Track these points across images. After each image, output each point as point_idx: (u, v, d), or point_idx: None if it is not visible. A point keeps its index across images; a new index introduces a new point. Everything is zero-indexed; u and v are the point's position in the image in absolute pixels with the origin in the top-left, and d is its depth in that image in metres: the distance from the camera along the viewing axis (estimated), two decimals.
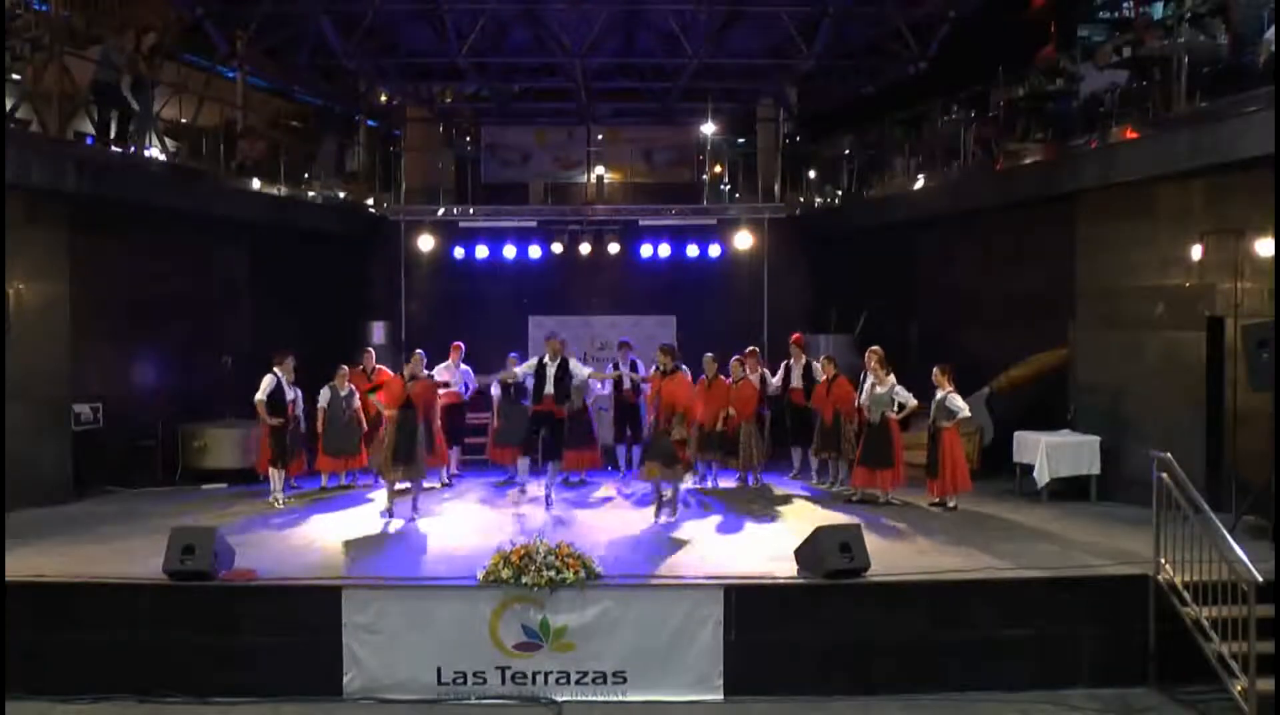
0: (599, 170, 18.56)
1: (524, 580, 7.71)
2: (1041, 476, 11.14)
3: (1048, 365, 12.68)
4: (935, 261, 15.35)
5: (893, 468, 11.18)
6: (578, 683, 7.81)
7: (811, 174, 18.15)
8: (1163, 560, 7.85)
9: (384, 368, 12.45)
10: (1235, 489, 9.84)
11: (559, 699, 7.75)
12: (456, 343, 13.07)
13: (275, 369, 11.31)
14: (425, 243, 16.50)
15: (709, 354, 12.29)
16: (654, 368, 12.05)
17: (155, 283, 13.04)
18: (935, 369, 11.12)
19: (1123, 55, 11.32)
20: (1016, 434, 11.74)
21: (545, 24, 15.29)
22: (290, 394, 11.49)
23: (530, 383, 11.70)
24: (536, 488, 11.65)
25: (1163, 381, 10.84)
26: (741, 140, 19.67)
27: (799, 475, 13.11)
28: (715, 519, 10.57)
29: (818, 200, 17.52)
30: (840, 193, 17.08)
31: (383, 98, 19.72)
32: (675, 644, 7.78)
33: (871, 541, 8.36)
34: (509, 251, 16.71)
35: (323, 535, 9.77)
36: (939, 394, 11.02)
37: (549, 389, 11.33)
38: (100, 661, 7.70)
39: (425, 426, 11.79)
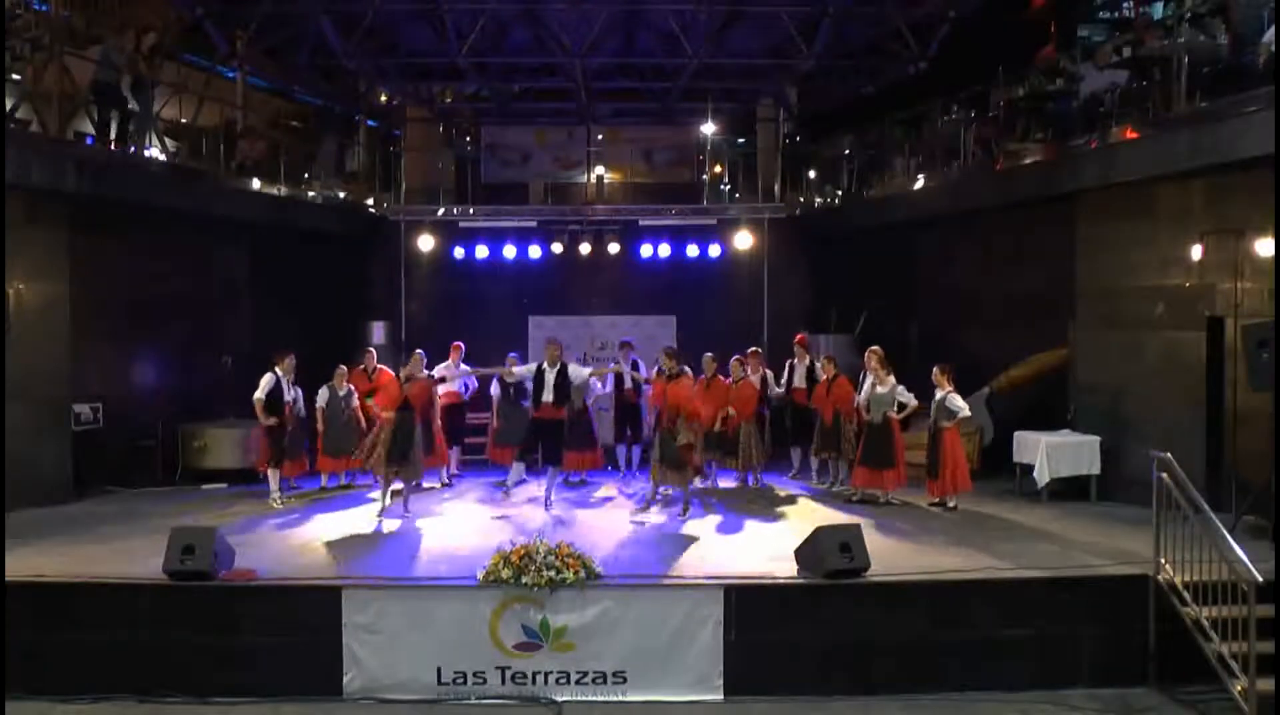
0: (599, 170, 18.56)
1: (524, 580, 7.71)
2: (1041, 476, 11.14)
3: (1048, 365, 12.68)
4: (935, 261, 15.36)
5: (895, 468, 11.18)
6: (578, 683, 7.81)
7: (811, 174, 18.15)
8: (1163, 560, 7.85)
9: (385, 368, 12.45)
10: (1235, 489, 9.85)
11: (559, 699, 7.75)
12: (456, 343, 13.07)
13: (276, 368, 11.31)
14: (425, 243, 16.50)
15: (709, 354, 12.29)
16: (655, 368, 12.09)
17: (155, 283, 13.05)
18: (935, 369, 11.12)
19: (1123, 55, 11.32)
20: (1016, 434, 11.74)
21: (545, 24, 15.29)
22: (289, 394, 11.49)
23: (529, 385, 11.68)
24: (535, 487, 11.64)
25: (1163, 381, 10.84)
26: (741, 140, 19.66)
27: (798, 475, 13.12)
28: (715, 519, 10.57)
29: (818, 200, 17.52)
30: (840, 193, 17.08)
31: (383, 98, 19.72)
32: (675, 644, 7.79)
33: (871, 541, 8.36)
34: (509, 251, 16.71)
35: (323, 535, 9.77)
36: (939, 394, 11.02)
37: (548, 396, 11.31)
38: (100, 661, 7.70)
39: (425, 426, 11.82)
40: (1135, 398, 11.13)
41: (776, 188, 17.96)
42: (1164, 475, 7.88)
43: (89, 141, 12.07)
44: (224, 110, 15.55)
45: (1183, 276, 10.66)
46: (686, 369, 11.20)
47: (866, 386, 11.47)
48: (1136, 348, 11.14)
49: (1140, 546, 8.41)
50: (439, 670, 7.78)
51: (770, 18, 14.84)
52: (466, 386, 13.22)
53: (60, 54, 11.38)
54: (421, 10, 14.73)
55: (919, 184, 14.71)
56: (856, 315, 15.98)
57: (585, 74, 16.58)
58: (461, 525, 10.37)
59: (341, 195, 16.71)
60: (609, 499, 11.98)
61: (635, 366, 13.18)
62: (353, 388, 12.10)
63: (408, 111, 19.16)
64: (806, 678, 7.77)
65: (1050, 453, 11.15)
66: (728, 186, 18.52)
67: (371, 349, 13.12)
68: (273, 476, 11.37)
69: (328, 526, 10.18)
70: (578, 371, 11.64)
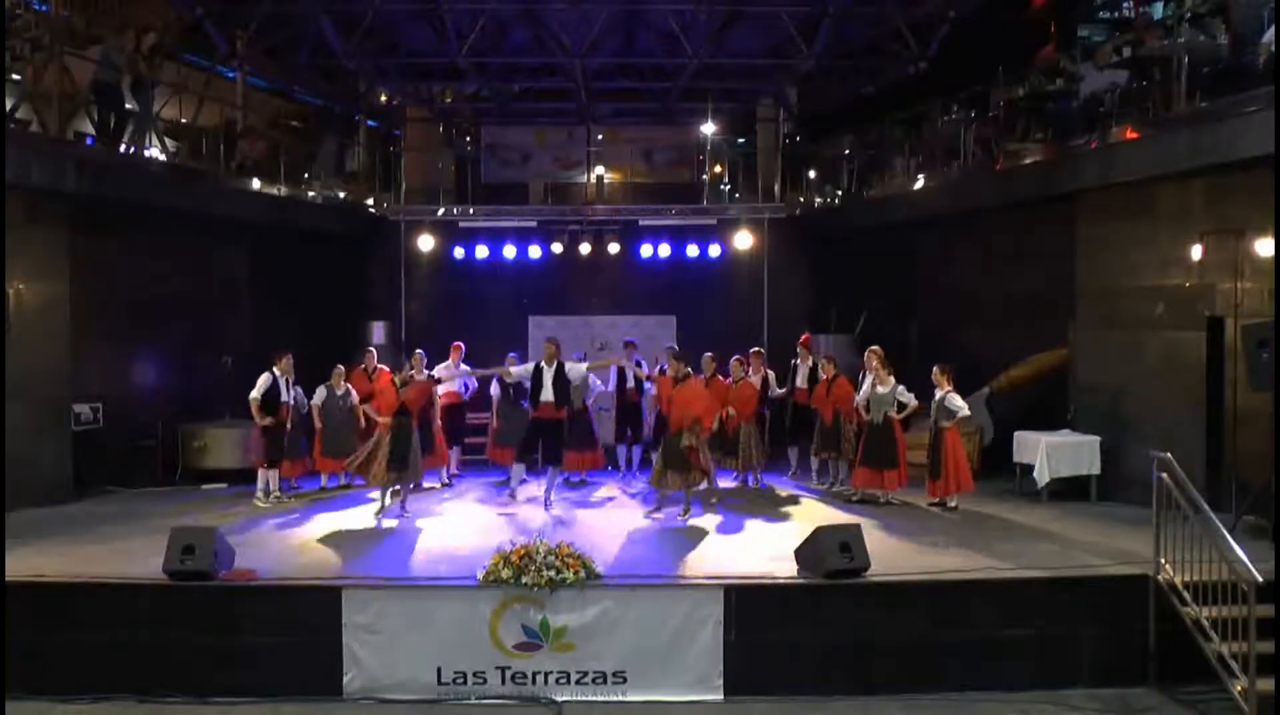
0: (599, 170, 18.56)
1: (524, 580, 7.71)
2: (1041, 476, 11.14)
3: (1048, 365, 12.68)
4: (935, 261, 15.36)
5: (896, 468, 11.18)
6: (578, 683, 7.81)
7: (811, 174, 18.16)
8: (1163, 560, 7.85)
9: (385, 368, 12.46)
10: (1235, 489, 9.85)
11: (559, 699, 7.75)
12: (456, 343, 13.06)
13: (273, 368, 11.31)
14: (425, 243, 16.50)
15: (708, 354, 12.30)
16: (658, 369, 12.11)
17: (155, 283, 13.05)
18: (935, 369, 11.12)
19: (1123, 55, 11.32)
20: (1016, 434, 11.74)
21: (545, 24, 15.29)
22: (287, 395, 11.48)
23: (528, 384, 11.67)
24: (535, 488, 11.64)
25: (1163, 381, 10.84)
26: (741, 140, 19.66)
27: (796, 474, 13.12)
28: (715, 519, 10.57)
29: (818, 200, 17.52)
30: (840, 193, 17.08)
31: (383, 98, 19.72)
32: (675, 644, 7.79)
33: (871, 541, 8.35)
34: (509, 251, 16.72)
35: (323, 535, 9.78)
36: (939, 394, 11.02)
37: (547, 395, 11.30)
38: (100, 661, 7.70)
39: (424, 426, 11.83)
40: (1135, 398, 11.12)
41: (776, 188, 17.97)
42: (1164, 475, 7.87)
43: (89, 141, 12.06)
44: (224, 110, 15.55)
45: (1183, 276, 10.66)
46: (692, 372, 11.21)
47: (866, 386, 11.47)
48: (1136, 348, 11.14)
49: (1140, 546, 8.41)
50: (439, 670, 7.78)
51: (770, 18, 14.84)
52: (466, 386, 13.22)
53: (60, 54, 11.38)
54: (421, 10, 14.73)
55: (919, 184, 14.71)
56: (856, 315, 15.98)
57: (585, 74, 16.58)
58: (461, 525, 10.37)
59: (341, 195, 16.71)
60: (609, 499, 11.98)
61: (638, 366, 13.17)
62: (351, 387, 12.09)
63: (408, 111, 19.16)
64: (806, 678, 7.77)
65: (1050, 453, 11.15)
66: (728, 186, 18.52)
67: (372, 349, 13.13)
68: (262, 476, 11.38)
69: (328, 526, 10.19)
70: (575, 369, 11.62)
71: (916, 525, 10.20)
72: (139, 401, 12.80)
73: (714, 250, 16.86)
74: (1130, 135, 10.61)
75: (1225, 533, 7.38)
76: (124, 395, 12.57)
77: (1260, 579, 7.01)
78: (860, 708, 7.60)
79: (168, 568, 7.88)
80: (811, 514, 10.68)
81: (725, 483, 12.55)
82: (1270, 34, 9.13)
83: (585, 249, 16.56)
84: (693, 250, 16.86)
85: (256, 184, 14.36)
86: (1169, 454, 7.96)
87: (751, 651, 7.78)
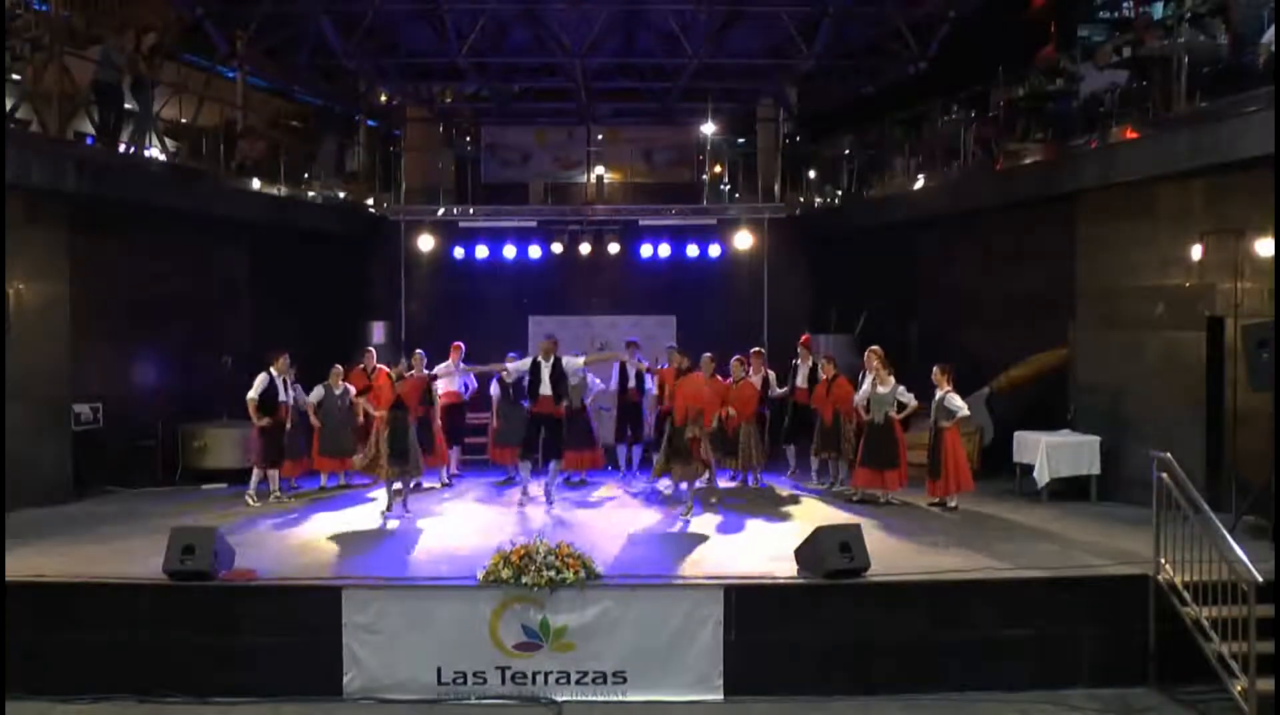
0: (599, 170, 18.57)
1: (524, 580, 7.71)
2: (1041, 476, 11.14)
3: (1048, 365, 12.68)
4: (935, 261, 15.36)
5: (897, 468, 11.18)
6: (578, 683, 7.81)
7: (811, 174, 18.16)
8: (1163, 560, 7.85)
9: (384, 368, 12.46)
10: (1235, 489, 9.85)
11: (559, 699, 7.75)
12: (457, 343, 13.07)
13: (270, 368, 11.31)
14: (425, 243, 16.51)
15: (707, 354, 12.29)
16: (661, 364, 12.16)
17: (155, 283, 13.05)
18: (935, 368, 11.12)
19: (1123, 55, 11.31)
20: (1016, 434, 11.74)
21: (545, 24, 15.29)
22: (285, 394, 11.47)
23: (526, 381, 11.67)
24: (536, 488, 11.65)
25: (1163, 381, 10.84)
26: (741, 140, 19.67)
27: (795, 474, 13.11)
28: (715, 519, 10.57)
29: (818, 200, 17.52)
30: (840, 193, 17.08)
31: (383, 98, 19.73)
32: (675, 644, 7.78)
33: (871, 541, 8.34)
34: (509, 251, 16.72)
35: (323, 535, 9.78)
36: (939, 394, 11.02)
37: (545, 390, 11.31)
38: (100, 661, 7.70)
39: (424, 425, 11.83)
40: (1135, 398, 11.12)
41: (776, 188, 17.97)
42: (1164, 475, 7.87)
43: (89, 141, 12.06)
44: (224, 110, 15.55)
45: (1183, 276, 10.66)
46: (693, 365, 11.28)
47: (866, 386, 11.46)
48: (1136, 348, 11.14)
49: (1140, 546, 8.41)
50: (439, 670, 7.78)
51: (770, 18, 14.85)
52: (466, 386, 13.23)
53: (60, 54, 11.38)
54: (421, 10, 14.73)
55: (919, 184, 14.71)
56: (856, 315, 15.98)
57: (585, 74, 16.59)
58: (461, 525, 10.37)
59: (341, 195, 16.71)
60: (609, 499, 11.98)
61: (641, 365, 13.17)
62: (349, 387, 12.08)
63: (408, 111, 19.16)
64: (806, 678, 7.77)
65: (1050, 453, 11.15)
66: (728, 186, 18.53)
67: (371, 348, 13.12)
68: (256, 475, 11.37)
69: (328, 526, 10.18)
70: (571, 362, 11.60)
71: (916, 525, 10.20)
72: (139, 401, 12.80)
73: (714, 250, 16.86)
74: (1130, 135, 10.61)
75: (1225, 533, 7.37)
76: (124, 395, 12.57)
77: (1260, 579, 7.01)
78: (860, 708, 7.60)
79: (168, 568, 7.88)
80: (811, 514, 10.68)
81: (725, 483, 12.56)
82: (1270, 34, 9.12)
83: (585, 249, 16.56)
84: (693, 250, 16.87)
85: (256, 184, 14.36)
86: (1169, 454, 7.95)
87: (751, 651, 7.78)
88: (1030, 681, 7.79)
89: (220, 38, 14.84)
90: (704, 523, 10.37)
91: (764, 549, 9.06)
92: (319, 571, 8.36)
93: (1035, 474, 11.21)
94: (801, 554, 8.24)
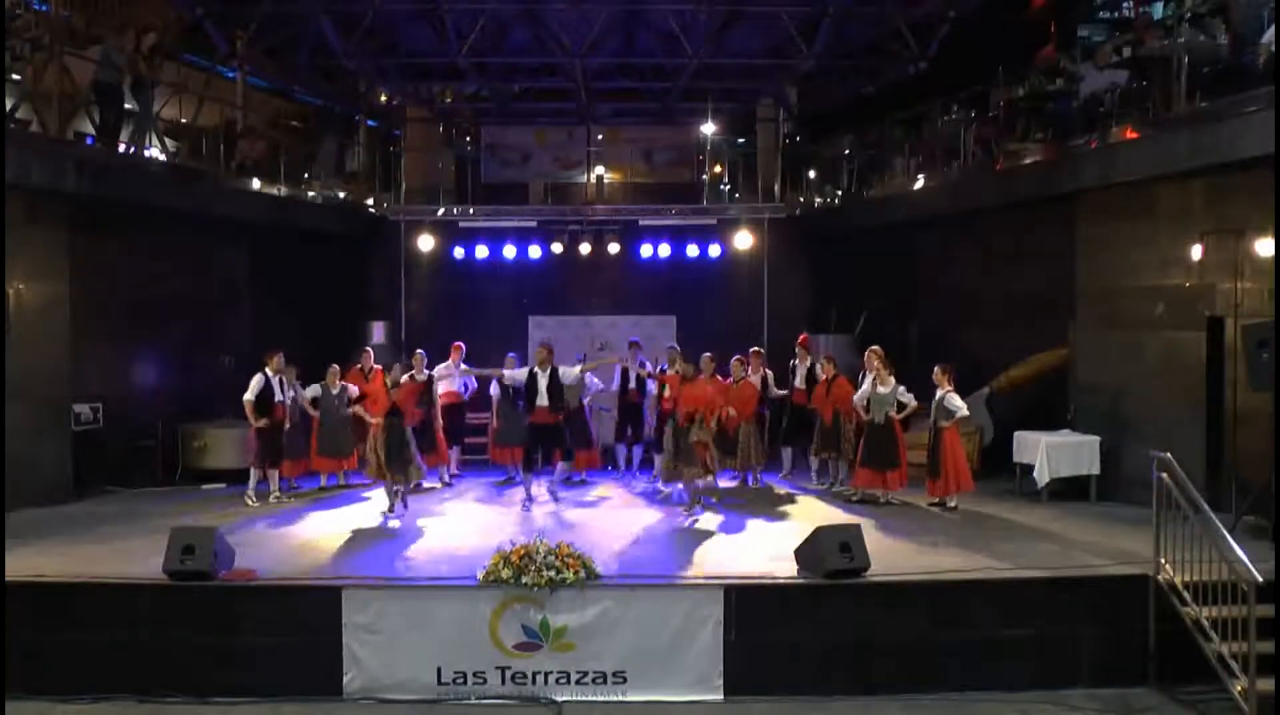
0: (599, 170, 18.57)
1: (524, 580, 7.71)
2: (1041, 476, 11.14)
3: (1048, 365, 12.68)
4: (935, 261, 15.36)
5: (898, 468, 11.18)
6: (578, 683, 7.81)
7: (811, 174, 18.16)
8: (1163, 560, 7.85)
9: (381, 368, 12.45)
10: (1235, 489, 9.85)
11: (559, 699, 7.75)
12: (457, 343, 13.08)
13: (265, 368, 11.31)
14: (425, 243, 16.50)
15: (707, 354, 12.28)
16: (659, 368, 12.15)
17: (155, 283, 13.05)
18: (935, 368, 11.12)
19: (1123, 55, 11.31)
20: (1016, 434, 11.74)
21: (545, 24, 15.29)
22: (282, 394, 11.46)
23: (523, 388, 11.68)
24: (538, 488, 11.65)
25: (1163, 381, 10.84)
26: (741, 140, 19.67)
27: (790, 475, 13.09)
28: (715, 519, 10.56)
29: (818, 200, 17.52)
30: (840, 193, 17.08)
31: (383, 98, 19.72)
32: (675, 644, 7.78)
33: (871, 541, 8.35)
34: (509, 251, 16.72)
35: (322, 535, 9.78)
36: (939, 394, 11.02)
37: (542, 401, 11.29)
38: (100, 661, 7.70)
39: (425, 426, 11.82)
40: (1135, 398, 11.12)
41: (776, 188, 17.97)
42: (1164, 475, 7.88)
43: (89, 141, 12.06)
44: (224, 110, 15.54)
45: (1183, 276, 10.66)
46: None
47: (866, 386, 11.46)
48: (1136, 348, 11.14)
49: (1140, 546, 8.41)
50: (439, 670, 7.78)
51: (770, 18, 14.84)
52: (466, 386, 13.23)
53: (60, 54, 11.38)
54: (421, 10, 14.73)
55: (919, 184, 14.71)
56: (856, 315, 15.98)
57: (585, 74, 16.58)
58: (461, 525, 10.37)
59: (341, 195, 16.71)
60: (609, 499, 11.98)
61: (642, 366, 13.17)
62: (347, 386, 12.07)
63: (408, 111, 19.16)
64: (806, 678, 7.77)
65: (1050, 453, 11.15)
66: (728, 186, 18.53)
67: (369, 349, 13.09)
68: (255, 475, 11.36)
69: (328, 526, 10.19)
70: (567, 372, 11.60)
71: (916, 525, 10.20)
72: (139, 401, 12.80)
73: (714, 250, 16.86)
74: (1130, 135, 10.61)
75: (1225, 533, 7.38)
76: (124, 395, 12.57)
77: (1260, 579, 7.01)
78: (860, 708, 7.60)
79: (168, 568, 7.88)
80: (811, 514, 10.68)
81: (725, 483, 12.55)
82: (1270, 34, 9.12)
83: (585, 249, 16.56)
84: (693, 250, 16.86)
85: (256, 184, 14.36)
86: (1169, 454, 7.96)
87: (751, 651, 7.78)
88: (1030, 681, 7.79)
89: (220, 38, 14.84)
90: (704, 523, 10.38)
91: (764, 549, 9.06)
92: (319, 571, 8.37)
93: (1035, 474, 11.21)
94: (801, 554, 8.24)
